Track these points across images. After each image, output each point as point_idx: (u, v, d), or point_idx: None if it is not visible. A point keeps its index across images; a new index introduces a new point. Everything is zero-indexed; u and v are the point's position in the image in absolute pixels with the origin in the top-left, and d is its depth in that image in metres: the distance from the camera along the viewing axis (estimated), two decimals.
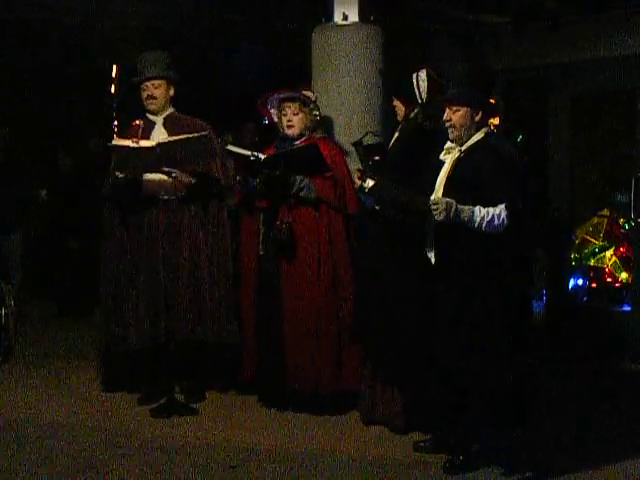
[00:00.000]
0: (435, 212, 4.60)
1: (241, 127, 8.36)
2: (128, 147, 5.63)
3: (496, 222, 4.61)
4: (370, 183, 5.11)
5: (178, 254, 5.91)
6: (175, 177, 5.79)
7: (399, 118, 5.52)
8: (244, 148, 5.92)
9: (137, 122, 5.86)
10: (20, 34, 9.52)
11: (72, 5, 8.46)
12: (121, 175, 5.76)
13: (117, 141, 5.82)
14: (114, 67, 11.05)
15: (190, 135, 5.69)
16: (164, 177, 5.81)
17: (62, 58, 10.22)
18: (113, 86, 11.23)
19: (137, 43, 8.83)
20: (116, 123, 11.09)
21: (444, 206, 4.58)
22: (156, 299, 5.88)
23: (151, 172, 5.84)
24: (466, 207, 4.62)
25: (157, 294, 5.88)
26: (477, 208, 4.62)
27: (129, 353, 6.01)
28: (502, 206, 4.61)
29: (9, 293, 7.43)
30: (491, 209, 4.61)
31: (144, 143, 5.64)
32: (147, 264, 5.92)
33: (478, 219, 4.61)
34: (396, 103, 5.50)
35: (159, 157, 5.65)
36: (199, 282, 5.96)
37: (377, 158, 5.21)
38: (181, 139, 5.67)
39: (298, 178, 5.73)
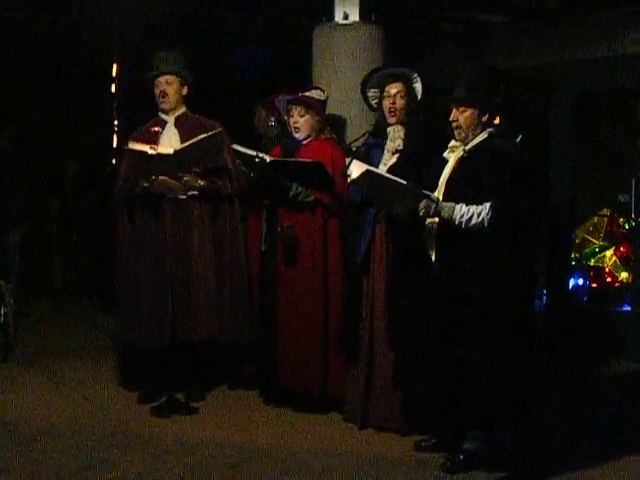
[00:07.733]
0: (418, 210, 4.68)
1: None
2: (146, 153, 5.58)
3: (474, 221, 4.62)
4: (354, 174, 5.05)
5: (188, 254, 5.84)
6: (187, 181, 5.76)
7: (395, 118, 5.49)
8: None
9: (156, 128, 5.80)
10: (22, 33, 9.50)
11: (72, 3, 8.46)
12: (146, 184, 5.66)
13: (134, 145, 5.70)
14: (114, 66, 11.01)
15: (204, 135, 5.64)
16: (173, 181, 5.77)
17: (63, 57, 10.19)
18: (114, 85, 11.20)
19: (139, 41, 8.84)
20: (117, 123, 11.06)
21: (423, 204, 4.65)
22: (165, 300, 5.82)
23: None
24: (448, 204, 4.65)
25: (166, 295, 5.82)
26: (459, 206, 4.65)
27: (133, 351, 5.98)
28: (487, 204, 4.60)
29: (9, 292, 7.42)
30: (473, 207, 4.62)
31: (162, 150, 5.59)
32: (157, 264, 5.86)
33: (458, 217, 4.63)
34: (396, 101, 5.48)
35: (175, 163, 5.62)
36: (210, 282, 5.89)
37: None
38: (196, 141, 5.62)
39: (294, 185, 5.73)
